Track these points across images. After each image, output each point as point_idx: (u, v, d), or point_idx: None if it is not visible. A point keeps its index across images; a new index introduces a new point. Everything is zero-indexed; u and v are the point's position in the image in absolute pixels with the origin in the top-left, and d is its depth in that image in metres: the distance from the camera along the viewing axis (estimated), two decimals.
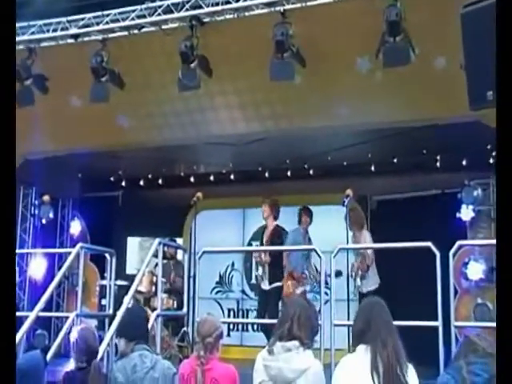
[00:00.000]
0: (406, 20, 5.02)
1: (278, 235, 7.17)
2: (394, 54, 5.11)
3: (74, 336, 3.83)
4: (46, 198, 9.24)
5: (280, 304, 6.96)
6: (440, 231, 6.56)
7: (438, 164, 8.19)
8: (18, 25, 6.21)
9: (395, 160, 8.39)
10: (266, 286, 6.99)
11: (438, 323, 4.71)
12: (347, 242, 6.56)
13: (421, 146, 7.89)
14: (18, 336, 5.15)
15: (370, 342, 2.73)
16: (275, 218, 7.25)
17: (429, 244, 4.89)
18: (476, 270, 7.68)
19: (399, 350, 2.71)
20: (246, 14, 5.56)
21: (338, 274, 6.56)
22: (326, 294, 5.94)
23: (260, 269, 7.13)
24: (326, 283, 5.80)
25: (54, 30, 6.10)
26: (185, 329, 6.50)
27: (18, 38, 6.21)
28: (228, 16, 5.62)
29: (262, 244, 7.28)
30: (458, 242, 4.86)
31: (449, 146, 7.55)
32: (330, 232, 7.97)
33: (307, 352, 2.94)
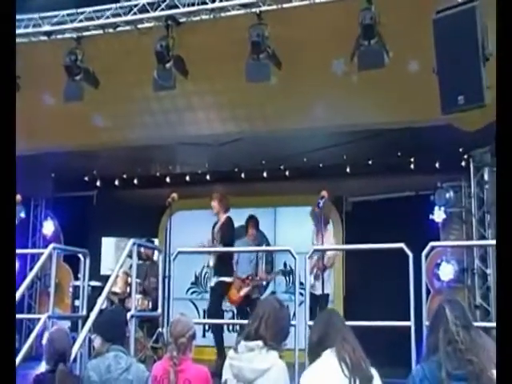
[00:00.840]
0: (381, 24, 5.06)
1: (230, 225, 7.19)
2: (368, 57, 5.15)
3: (45, 338, 3.81)
4: (18, 197, 9.09)
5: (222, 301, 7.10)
6: (413, 233, 6.63)
7: (412, 166, 8.29)
8: None
9: (370, 162, 8.47)
10: (212, 282, 7.08)
11: (411, 323, 4.77)
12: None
13: (395, 148, 7.98)
14: None
15: (331, 341, 2.74)
16: (226, 211, 7.26)
17: (401, 245, 4.95)
18: (448, 271, 7.79)
19: (360, 349, 2.74)
20: (222, 14, 5.54)
21: (284, 272, 6.61)
22: (301, 294, 5.97)
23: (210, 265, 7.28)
24: (301, 284, 5.83)
25: (26, 27, 5.99)
26: (159, 330, 6.46)
27: None
28: (204, 16, 5.60)
29: (212, 237, 7.21)
30: (431, 244, 4.93)
31: (422, 148, 7.66)
32: (305, 233, 8.01)
33: (271, 353, 2.94)
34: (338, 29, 5.45)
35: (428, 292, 5.84)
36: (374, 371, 2.72)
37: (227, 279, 7.04)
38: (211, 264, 7.13)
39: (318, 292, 6.37)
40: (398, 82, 5.72)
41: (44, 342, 3.81)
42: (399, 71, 5.57)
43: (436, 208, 8.02)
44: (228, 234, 7.06)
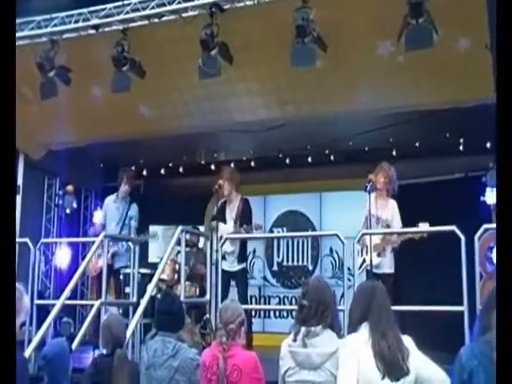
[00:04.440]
0: (429, 1, 4.93)
1: (249, 209, 6.71)
2: (416, 36, 5.02)
3: (103, 322, 3.90)
4: (70, 188, 9.34)
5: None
6: (464, 215, 6.50)
7: (461, 147, 8.09)
8: (40, 17, 6.27)
9: (417, 144, 8.31)
10: (233, 266, 6.59)
11: (464, 308, 4.67)
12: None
13: (443, 129, 7.79)
14: (45, 324, 5.26)
15: (369, 326, 2.71)
16: (237, 191, 6.74)
17: (453, 228, 4.85)
18: None
19: (398, 340, 2.69)
20: None
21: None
22: (349, 279, 5.94)
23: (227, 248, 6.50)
24: (349, 269, 5.78)
25: (76, 22, 6.12)
26: (207, 316, 6.54)
27: (40, 31, 6.27)
28: (248, 2, 5.57)
29: (224, 219, 6.59)
30: (484, 226, 4.80)
31: (472, 128, 7.44)
32: (352, 218, 7.94)
33: (333, 335, 2.93)
34: (383, 9, 5.33)
35: (481, 276, 5.71)
36: (411, 345, 2.68)
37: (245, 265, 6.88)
38: (230, 249, 6.53)
39: (382, 271, 5.96)
40: (446, 61, 5.57)
41: (100, 327, 3.89)
42: (448, 50, 5.42)
43: (488, 189, 7.80)
44: (250, 220, 6.59)
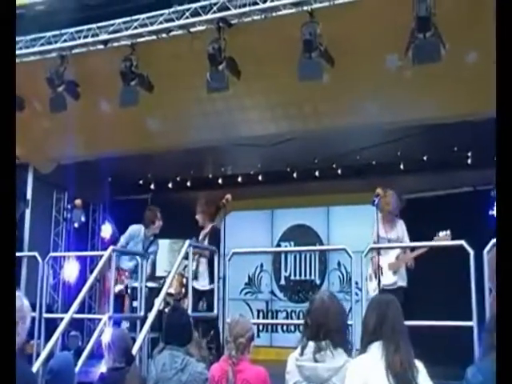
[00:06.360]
0: (436, 15, 4.94)
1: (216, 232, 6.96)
2: (424, 50, 5.03)
3: (109, 337, 3.88)
4: (78, 202, 9.38)
5: None
6: (472, 229, 6.44)
7: (469, 161, 8.07)
8: (50, 33, 6.35)
9: (425, 158, 8.30)
10: (205, 285, 6.70)
11: (473, 323, 4.63)
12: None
13: (451, 142, 7.79)
14: (54, 338, 5.25)
15: (383, 340, 2.68)
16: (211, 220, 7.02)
17: (462, 242, 4.82)
18: None
19: (410, 355, 2.67)
20: (274, 14, 5.54)
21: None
22: (357, 294, 5.91)
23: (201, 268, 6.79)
24: (356, 283, 5.75)
25: (85, 37, 6.20)
26: (215, 330, 6.51)
27: (50, 46, 6.34)
28: (255, 17, 5.61)
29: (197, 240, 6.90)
30: (493, 241, 4.76)
31: (480, 142, 7.41)
32: (359, 232, 7.91)
33: (339, 350, 2.91)
34: (390, 23, 5.36)
35: (490, 290, 5.66)
36: (422, 370, 2.66)
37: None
38: (201, 270, 6.76)
39: (395, 286, 6.06)
40: (455, 75, 5.57)
41: (106, 340, 3.87)
42: (456, 63, 5.42)
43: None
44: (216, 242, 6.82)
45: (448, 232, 5.68)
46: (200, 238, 7.01)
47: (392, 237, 6.23)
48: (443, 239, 5.70)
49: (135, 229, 7.21)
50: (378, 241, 6.00)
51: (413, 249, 6.17)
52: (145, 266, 6.29)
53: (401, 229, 6.28)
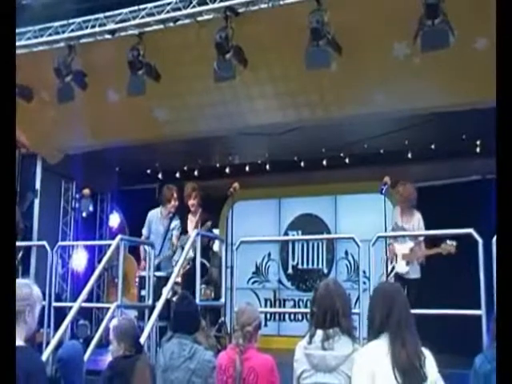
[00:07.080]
0: (445, 1, 4.89)
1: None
2: (432, 37, 4.99)
3: (118, 324, 3.88)
4: (86, 191, 9.42)
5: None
6: (481, 218, 6.40)
7: (477, 149, 8.02)
8: (58, 23, 6.34)
9: (433, 146, 8.25)
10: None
11: (482, 312, 4.63)
12: (385, 228, 6.34)
13: (460, 131, 7.72)
14: (63, 326, 5.29)
15: (389, 334, 2.66)
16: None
17: (470, 231, 4.80)
18: None
19: (417, 346, 2.66)
20: (281, 2, 5.50)
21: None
22: (364, 282, 5.92)
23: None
24: (364, 272, 5.76)
25: (93, 27, 6.19)
26: (222, 319, 6.53)
27: (58, 36, 6.34)
28: (262, 5, 5.58)
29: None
30: None
31: (489, 130, 7.32)
32: (367, 221, 7.90)
33: (347, 338, 2.91)
34: (398, 10, 5.31)
35: None
36: (430, 359, 2.65)
37: None
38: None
39: (409, 276, 6.24)
40: (463, 62, 5.53)
41: (113, 330, 3.87)
42: (465, 50, 5.38)
43: None
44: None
45: (454, 242, 5.90)
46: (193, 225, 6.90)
47: (408, 227, 6.36)
48: (449, 247, 5.93)
49: (152, 212, 7.22)
50: (395, 229, 6.26)
51: (427, 245, 6.31)
52: (153, 254, 6.31)
53: (417, 221, 6.38)
